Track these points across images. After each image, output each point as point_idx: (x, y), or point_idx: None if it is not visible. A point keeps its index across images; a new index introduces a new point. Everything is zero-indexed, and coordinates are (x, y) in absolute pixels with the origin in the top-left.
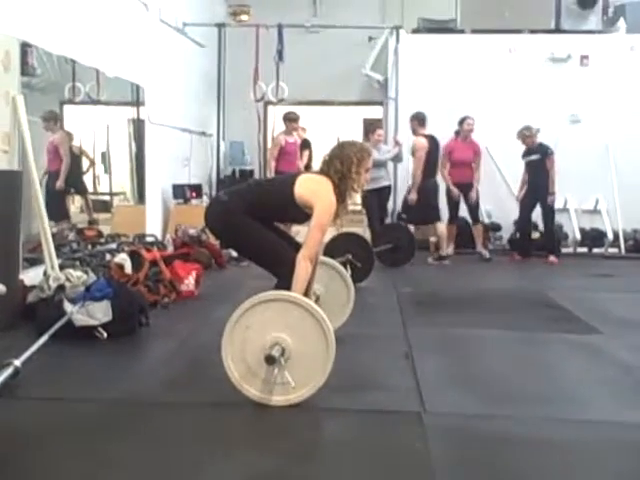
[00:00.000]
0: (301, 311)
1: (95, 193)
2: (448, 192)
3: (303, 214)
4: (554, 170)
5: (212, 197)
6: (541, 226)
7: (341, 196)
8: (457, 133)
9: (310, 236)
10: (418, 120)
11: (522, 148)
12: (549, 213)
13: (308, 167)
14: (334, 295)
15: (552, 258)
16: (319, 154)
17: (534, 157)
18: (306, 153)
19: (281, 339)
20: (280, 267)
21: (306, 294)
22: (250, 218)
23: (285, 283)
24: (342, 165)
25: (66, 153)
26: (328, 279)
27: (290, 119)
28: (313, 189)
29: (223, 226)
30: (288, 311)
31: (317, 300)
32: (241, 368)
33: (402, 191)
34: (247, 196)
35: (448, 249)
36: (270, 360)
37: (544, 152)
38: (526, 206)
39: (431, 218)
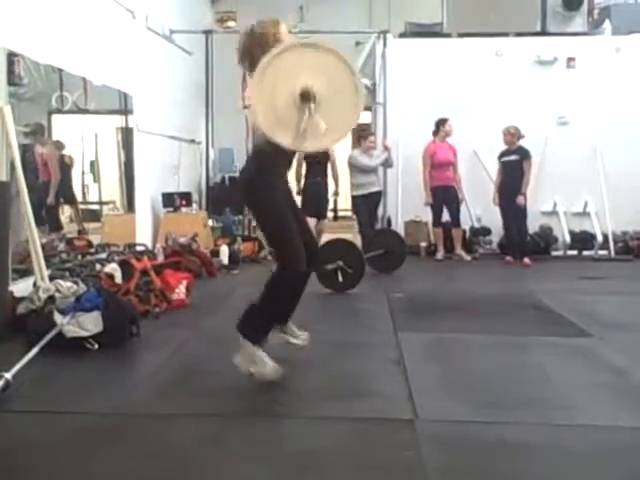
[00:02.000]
0: (329, 56)
1: (84, 202)
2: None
3: None
4: (530, 173)
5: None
6: (531, 228)
7: None
8: (435, 134)
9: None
10: None
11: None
12: (520, 215)
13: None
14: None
15: (526, 261)
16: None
17: (513, 158)
18: None
19: (310, 84)
20: (284, 264)
21: None
22: (275, 191)
23: (277, 278)
24: (263, 47)
25: (55, 167)
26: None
27: None
28: None
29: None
30: (316, 57)
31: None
32: (270, 117)
33: (392, 196)
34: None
35: (439, 253)
36: (305, 96)
37: (522, 154)
38: (506, 209)
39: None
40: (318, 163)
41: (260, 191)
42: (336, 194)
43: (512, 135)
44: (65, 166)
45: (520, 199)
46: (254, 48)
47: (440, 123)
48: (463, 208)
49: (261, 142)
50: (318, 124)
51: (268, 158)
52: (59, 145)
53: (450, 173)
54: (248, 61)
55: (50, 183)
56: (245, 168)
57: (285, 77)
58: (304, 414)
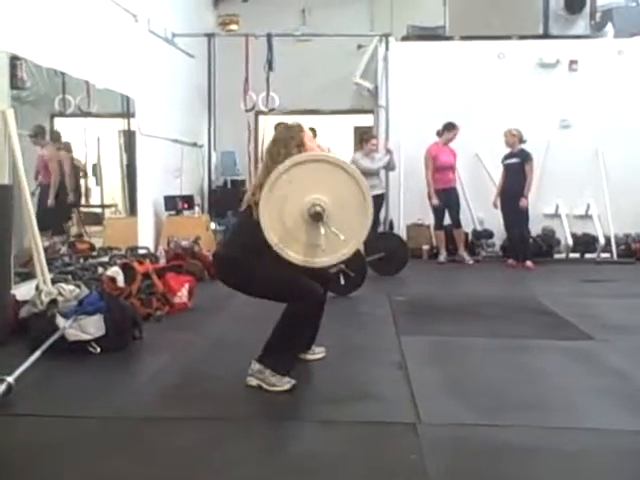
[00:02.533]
0: (337, 170)
1: (86, 205)
2: (430, 196)
3: None
4: (532, 176)
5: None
6: (533, 231)
7: None
8: (439, 135)
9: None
10: None
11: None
12: (522, 218)
13: None
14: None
15: (529, 264)
16: None
17: (514, 160)
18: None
19: (319, 200)
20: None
21: None
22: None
23: (293, 308)
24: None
25: (55, 169)
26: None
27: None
28: None
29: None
30: (323, 172)
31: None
32: (279, 231)
33: (394, 199)
34: (238, 239)
35: (441, 256)
36: (317, 217)
37: (524, 157)
38: (507, 212)
39: None
40: None
41: (252, 272)
42: None
43: (513, 136)
44: (76, 169)
45: (523, 202)
46: (282, 144)
47: (448, 127)
48: (465, 211)
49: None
50: (337, 236)
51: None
52: (68, 148)
53: (452, 175)
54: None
55: (63, 184)
56: (231, 247)
57: (294, 193)
58: (306, 418)
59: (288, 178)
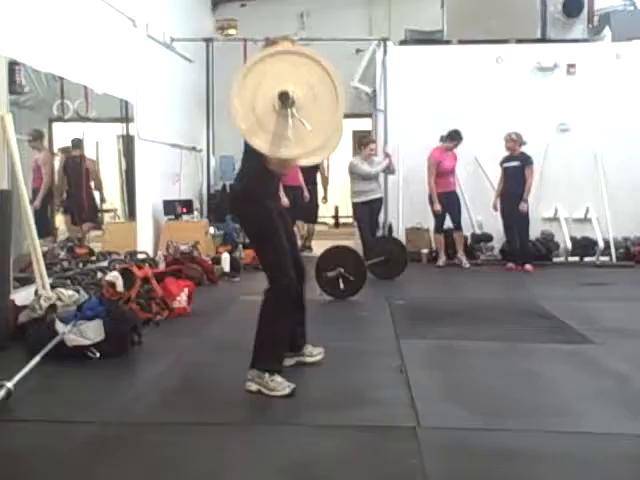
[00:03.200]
0: (311, 64)
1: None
2: (432, 201)
3: None
4: (532, 180)
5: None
6: (532, 235)
7: None
8: (442, 140)
9: None
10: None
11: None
12: (522, 221)
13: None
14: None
15: (528, 267)
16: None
17: (514, 164)
18: None
19: (291, 89)
20: (273, 280)
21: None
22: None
23: (270, 297)
24: None
25: (47, 173)
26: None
27: None
28: None
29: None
30: (298, 65)
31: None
32: (250, 119)
33: (393, 203)
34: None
35: (441, 260)
36: (284, 97)
37: (524, 160)
38: (507, 215)
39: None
40: (308, 170)
41: (254, 206)
42: (324, 200)
43: (514, 142)
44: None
45: (523, 206)
46: None
47: (452, 137)
48: (464, 214)
49: (254, 160)
50: (302, 125)
51: (261, 175)
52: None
53: (452, 179)
54: None
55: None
56: (238, 181)
57: (267, 82)
58: (306, 422)
59: (263, 68)
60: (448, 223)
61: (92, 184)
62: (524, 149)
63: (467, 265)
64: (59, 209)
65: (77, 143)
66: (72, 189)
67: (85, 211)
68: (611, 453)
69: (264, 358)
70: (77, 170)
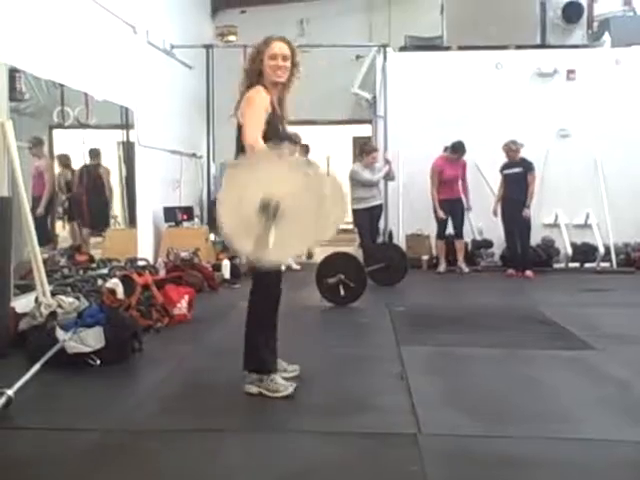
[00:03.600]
0: (301, 172)
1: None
2: (435, 209)
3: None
4: (534, 185)
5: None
6: (533, 241)
7: (270, 91)
8: (446, 150)
9: (244, 128)
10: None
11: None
12: (525, 227)
13: None
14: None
15: (528, 273)
16: None
17: (516, 170)
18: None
19: (276, 196)
20: (256, 287)
21: None
22: None
23: (253, 302)
24: (250, 63)
25: (50, 179)
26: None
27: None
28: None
29: None
30: (288, 170)
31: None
32: (235, 221)
33: (394, 209)
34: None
35: (441, 266)
36: (264, 207)
37: (527, 166)
38: (508, 221)
39: None
40: None
41: None
42: None
43: (515, 151)
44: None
45: (526, 212)
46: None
47: (455, 149)
48: (464, 221)
49: None
50: (286, 232)
51: None
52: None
53: (457, 187)
54: (247, 74)
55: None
56: None
57: (252, 188)
58: (306, 429)
59: (248, 175)
60: (450, 230)
61: (106, 192)
62: (524, 154)
63: (467, 270)
64: (70, 216)
65: (94, 152)
66: (88, 197)
67: (100, 217)
68: (611, 460)
69: (255, 359)
70: (93, 178)
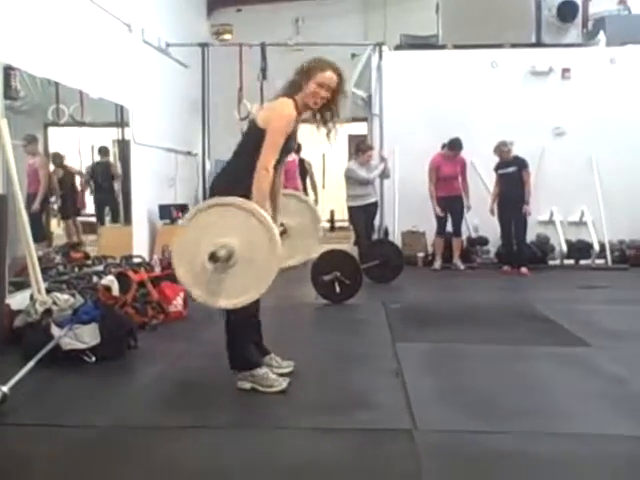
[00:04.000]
0: (250, 218)
1: (81, 215)
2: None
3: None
4: (530, 182)
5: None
6: (528, 238)
7: (299, 109)
8: (444, 147)
9: (265, 149)
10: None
11: None
12: (522, 224)
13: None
14: (302, 229)
15: (524, 270)
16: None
17: (511, 169)
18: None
19: (229, 243)
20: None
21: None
22: None
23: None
24: (295, 75)
25: (44, 177)
26: (298, 213)
27: None
28: (268, 111)
29: None
30: (238, 217)
31: (284, 232)
32: (189, 271)
33: (389, 206)
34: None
35: (437, 263)
36: (214, 258)
37: (521, 165)
38: (506, 219)
39: None
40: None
41: None
42: (315, 203)
43: (507, 151)
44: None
45: (527, 209)
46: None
47: (451, 147)
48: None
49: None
50: (238, 277)
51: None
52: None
53: (456, 184)
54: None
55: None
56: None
57: (205, 236)
58: (302, 425)
59: (200, 221)
60: (449, 227)
61: (115, 187)
62: (520, 152)
63: (462, 267)
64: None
65: (104, 150)
66: (99, 193)
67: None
68: (607, 455)
69: (238, 357)
70: (104, 174)
